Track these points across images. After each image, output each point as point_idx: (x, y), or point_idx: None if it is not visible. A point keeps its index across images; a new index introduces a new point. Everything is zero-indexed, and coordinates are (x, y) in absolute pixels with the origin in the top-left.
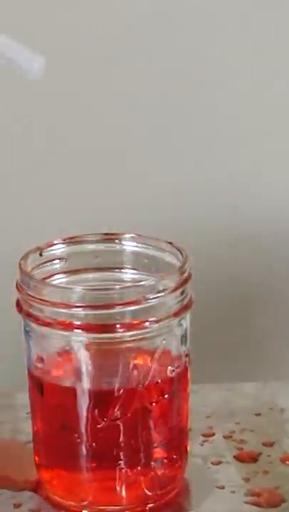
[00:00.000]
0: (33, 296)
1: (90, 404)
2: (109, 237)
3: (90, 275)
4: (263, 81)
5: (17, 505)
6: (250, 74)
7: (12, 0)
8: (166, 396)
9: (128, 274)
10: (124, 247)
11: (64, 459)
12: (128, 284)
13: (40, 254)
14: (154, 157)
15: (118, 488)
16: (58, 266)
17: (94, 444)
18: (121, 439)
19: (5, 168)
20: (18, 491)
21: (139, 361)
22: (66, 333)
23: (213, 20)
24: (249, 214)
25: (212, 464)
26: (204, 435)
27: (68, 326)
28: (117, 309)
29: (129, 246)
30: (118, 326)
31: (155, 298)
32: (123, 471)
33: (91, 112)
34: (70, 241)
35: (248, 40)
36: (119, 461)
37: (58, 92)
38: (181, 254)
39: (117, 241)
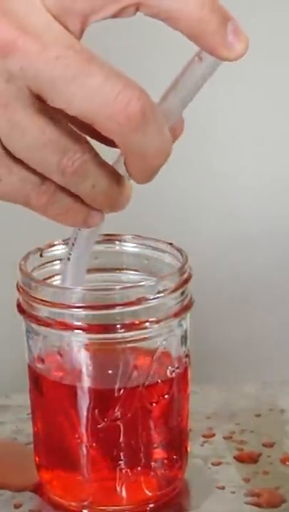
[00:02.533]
0: (33, 297)
1: (90, 404)
2: (109, 238)
3: (90, 276)
4: (263, 81)
5: (17, 506)
6: (250, 72)
7: None
8: (166, 396)
9: (128, 275)
10: (124, 248)
11: (64, 460)
12: (128, 285)
13: (41, 255)
14: None
15: (118, 489)
16: (58, 267)
17: (94, 445)
18: (121, 439)
19: None
20: (19, 491)
21: (139, 361)
22: (66, 333)
23: None
24: (249, 214)
25: (212, 464)
26: (204, 436)
27: (68, 327)
28: (117, 310)
29: (129, 247)
30: (118, 326)
31: (155, 298)
32: (123, 471)
33: None
34: None
35: (250, 40)
36: (120, 462)
37: None
38: (181, 255)
39: (117, 242)
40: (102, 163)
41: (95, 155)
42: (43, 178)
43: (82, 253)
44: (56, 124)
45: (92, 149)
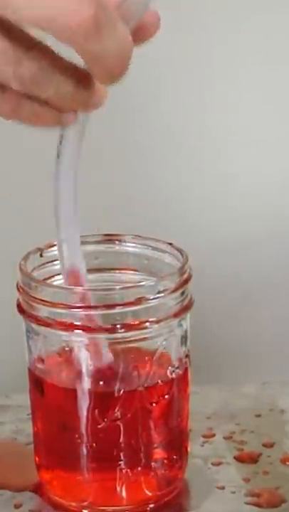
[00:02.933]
0: (33, 297)
1: (90, 404)
2: (110, 238)
3: (90, 276)
4: (262, 81)
5: (17, 506)
6: (250, 73)
7: None
8: (166, 397)
9: (128, 275)
10: (124, 248)
11: (64, 460)
12: (128, 285)
13: (41, 255)
14: (154, 157)
15: (118, 489)
16: (58, 267)
17: (94, 445)
18: (121, 439)
19: (5, 168)
20: (19, 491)
21: (139, 362)
22: (66, 333)
23: (213, 21)
24: (250, 214)
25: (212, 464)
26: (204, 436)
27: (68, 327)
28: (118, 310)
29: (129, 247)
30: (118, 326)
31: (155, 298)
32: (123, 471)
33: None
34: None
35: (247, 39)
36: (120, 462)
37: None
38: (181, 255)
39: (117, 242)
40: (64, 67)
41: (55, 59)
42: (4, 86)
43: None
44: (7, 35)
45: (50, 54)
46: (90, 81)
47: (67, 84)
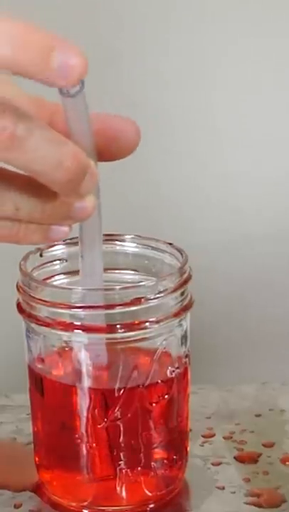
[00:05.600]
0: (33, 297)
1: (90, 404)
2: (109, 238)
3: None
4: (262, 81)
5: (17, 506)
6: (250, 72)
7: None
8: (166, 397)
9: (128, 275)
10: (124, 248)
11: (64, 460)
12: (128, 285)
13: (41, 255)
14: (154, 157)
15: (118, 489)
16: (58, 267)
17: (94, 445)
18: (121, 439)
19: None
20: (19, 491)
21: (139, 361)
22: (66, 333)
23: (213, 20)
24: (250, 214)
25: (212, 464)
26: (204, 436)
27: (68, 327)
28: (117, 310)
29: (129, 247)
30: (118, 326)
31: (155, 298)
32: (123, 471)
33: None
34: (71, 242)
35: (249, 40)
36: (120, 462)
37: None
38: (181, 255)
39: (117, 242)
40: (22, 182)
41: (8, 175)
42: None
43: (91, 254)
44: None
45: (1, 170)
46: (53, 193)
47: (27, 198)
